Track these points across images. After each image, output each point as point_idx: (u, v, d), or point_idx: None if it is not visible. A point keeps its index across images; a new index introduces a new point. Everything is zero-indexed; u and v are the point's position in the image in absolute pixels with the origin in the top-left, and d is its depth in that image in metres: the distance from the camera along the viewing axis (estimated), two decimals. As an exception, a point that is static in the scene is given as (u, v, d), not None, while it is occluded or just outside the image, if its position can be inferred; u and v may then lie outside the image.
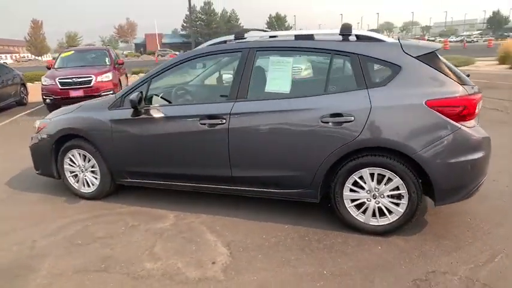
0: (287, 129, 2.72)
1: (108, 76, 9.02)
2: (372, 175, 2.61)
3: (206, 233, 2.91)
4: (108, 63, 9.92)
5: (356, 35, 2.74)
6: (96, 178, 3.54)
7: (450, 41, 39.34)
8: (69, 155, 3.57)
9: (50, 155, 3.62)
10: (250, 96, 2.86)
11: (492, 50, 22.18)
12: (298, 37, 2.88)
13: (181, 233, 2.93)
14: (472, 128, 2.44)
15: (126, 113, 3.23)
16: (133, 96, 3.01)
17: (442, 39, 47.69)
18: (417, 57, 2.53)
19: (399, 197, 2.60)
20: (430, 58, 2.54)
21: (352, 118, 2.53)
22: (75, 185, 3.66)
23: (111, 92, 8.93)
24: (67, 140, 3.53)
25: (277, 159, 2.81)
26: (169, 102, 3.26)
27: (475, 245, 2.57)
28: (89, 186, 3.61)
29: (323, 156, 2.65)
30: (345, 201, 2.73)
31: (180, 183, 3.23)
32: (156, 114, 3.11)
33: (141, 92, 3.07)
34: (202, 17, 63.58)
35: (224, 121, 2.86)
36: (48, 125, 3.62)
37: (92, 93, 8.70)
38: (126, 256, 2.63)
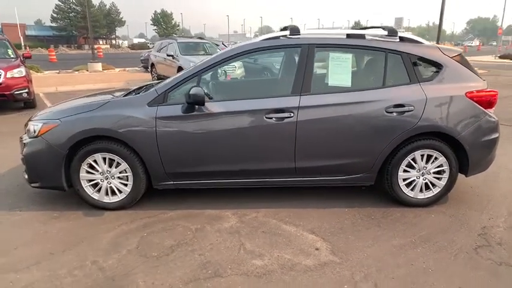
0: (354, 120, 2.98)
1: (20, 71, 7.58)
2: (422, 156, 3.10)
3: (281, 224, 2.95)
4: (12, 55, 8.28)
5: (400, 37, 3.18)
6: (126, 185, 3.14)
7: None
8: (89, 160, 3.06)
9: (59, 162, 3.03)
10: (313, 90, 3.01)
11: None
12: (349, 36, 3.16)
13: (257, 228, 2.90)
14: (492, 114, 3.13)
15: (175, 109, 2.98)
16: (197, 90, 2.82)
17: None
18: (452, 58, 3.11)
19: (441, 172, 3.15)
20: (459, 58, 3.16)
21: (413, 108, 2.96)
22: (95, 195, 3.16)
23: (25, 91, 7.56)
24: (86, 143, 3.02)
25: (343, 148, 3.04)
26: (220, 96, 3.13)
27: (491, 204, 3.30)
28: (113, 194, 3.17)
29: (386, 142, 3.01)
30: (398, 180, 3.15)
31: (237, 179, 3.15)
32: (212, 109, 2.97)
33: (201, 87, 2.89)
34: (77, 8, 56.77)
35: (292, 114, 2.95)
36: (59, 127, 3.02)
37: (1, 91, 7.19)
38: (224, 258, 2.50)
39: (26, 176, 3.25)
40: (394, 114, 2.97)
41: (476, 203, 3.34)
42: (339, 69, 3.05)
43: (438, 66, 3.08)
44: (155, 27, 62.47)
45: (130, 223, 2.99)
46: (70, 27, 57.91)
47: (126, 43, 53.47)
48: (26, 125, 3.42)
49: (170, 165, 3.06)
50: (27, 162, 3.13)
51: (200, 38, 12.33)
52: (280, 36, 3.14)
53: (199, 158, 3.06)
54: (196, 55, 10.81)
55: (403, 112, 2.97)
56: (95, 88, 11.45)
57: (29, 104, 7.93)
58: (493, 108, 3.12)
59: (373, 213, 3.13)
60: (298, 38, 3.11)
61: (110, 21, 60.35)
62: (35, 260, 2.49)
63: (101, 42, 59.33)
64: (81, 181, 3.12)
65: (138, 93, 3.31)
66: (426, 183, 3.18)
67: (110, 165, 3.10)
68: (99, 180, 3.13)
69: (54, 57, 23.50)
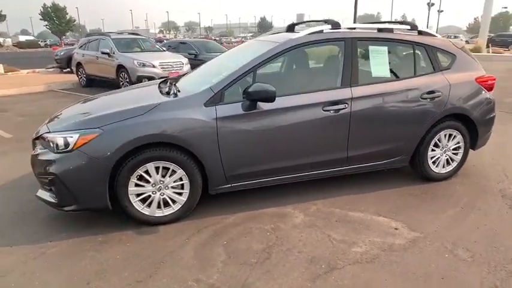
0: (398, 107, 3.25)
1: None
2: (445, 135, 3.53)
3: (346, 212, 3.07)
4: None
5: (418, 31, 3.54)
6: (180, 194, 2.88)
7: (229, 42, 43.56)
8: (140, 171, 2.72)
9: (103, 177, 2.63)
10: (360, 81, 3.18)
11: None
12: (380, 30, 3.40)
13: (328, 219, 2.96)
14: (491, 96, 3.72)
15: (235, 108, 2.84)
16: (267, 86, 2.72)
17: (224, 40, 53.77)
18: (460, 49, 3.60)
19: (457, 149, 3.64)
20: (464, 49, 3.67)
21: (440, 94, 3.35)
22: (146, 211, 2.83)
23: None
24: (135, 152, 2.68)
25: (388, 134, 3.29)
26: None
27: (489, 172, 3.93)
28: (166, 207, 2.88)
29: (422, 126, 3.35)
30: (428, 159, 3.53)
31: (294, 174, 3.15)
32: (272, 105, 2.89)
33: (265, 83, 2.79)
34: None
35: (347, 106, 3.07)
36: (102, 136, 2.60)
37: None
38: (325, 251, 2.52)
39: (53, 200, 2.73)
40: (428, 100, 3.32)
41: (478, 172, 3.93)
42: (379, 61, 3.27)
43: (452, 56, 3.54)
44: (46, 23, 54.89)
45: (198, 234, 2.76)
46: None
47: (10, 41, 45.50)
48: (39, 138, 2.86)
49: (230, 167, 2.91)
50: (58, 183, 2.62)
51: (135, 34, 11.42)
52: (323, 30, 3.21)
53: (260, 156, 2.98)
54: (135, 52, 10.04)
55: (434, 98, 3.34)
56: (11, 94, 9.80)
57: None
58: (492, 91, 3.71)
59: (413, 192, 3.45)
60: (340, 31, 3.23)
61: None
62: (126, 291, 2.15)
63: (-26, 40, 49.68)
64: (130, 196, 2.75)
65: (174, 94, 3.03)
66: (447, 159, 3.64)
67: (165, 175, 2.80)
68: (150, 193, 2.80)
69: None
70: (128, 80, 9.31)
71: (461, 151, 3.65)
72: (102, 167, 2.61)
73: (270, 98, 2.77)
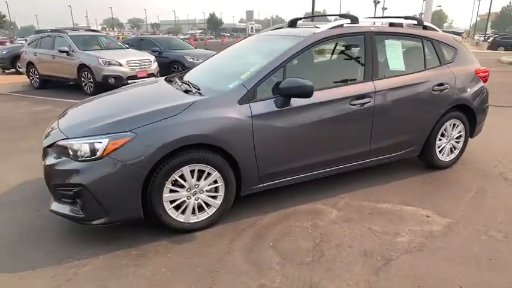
0: (414, 99, 3.37)
1: None
2: (450, 125, 3.74)
3: (374, 204, 3.13)
4: None
5: (423, 25, 3.69)
6: (215, 197, 2.73)
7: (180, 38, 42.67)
8: (175, 176, 2.54)
9: (137, 185, 2.42)
10: (380, 74, 3.24)
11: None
12: (392, 24, 3.50)
13: (360, 212, 3.00)
14: (486, 86, 3.99)
15: (268, 104, 2.75)
16: (306, 82, 2.66)
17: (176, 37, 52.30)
18: (459, 43, 3.82)
19: (459, 137, 3.87)
20: (462, 44, 3.90)
21: (448, 85, 3.54)
22: (180, 218, 2.65)
23: None
24: (170, 156, 2.49)
25: (406, 125, 3.41)
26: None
27: (483, 158, 4.23)
28: (200, 211, 2.72)
29: (434, 116, 3.52)
30: (435, 148, 3.72)
31: (323, 170, 3.13)
32: (304, 101, 2.85)
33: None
34: None
35: (371, 99, 3.12)
36: (136, 140, 2.38)
37: None
38: (373, 244, 2.55)
39: (73, 213, 2.46)
40: (438, 92, 3.49)
41: (473, 159, 4.20)
42: (394, 55, 3.37)
43: (454, 50, 3.75)
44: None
45: (239, 237, 2.65)
46: None
47: None
48: (53, 146, 2.54)
49: (265, 166, 2.82)
50: (86, 194, 2.36)
51: (93, 31, 10.64)
52: (343, 25, 3.22)
53: (293, 153, 2.93)
54: (97, 50, 9.37)
55: (443, 90, 3.52)
56: (-46, 98, 8.64)
57: None
58: (487, 82, 3.99)
59: (426, 180, 3.62)
60: (359, 26, 3.27)
61: None
62: (190, 305, 1.99)
63: None
64: (164, 203, 2.55)
65: (197, 92, 2.86)
66: (450, 148, 3.86)
67: (199, 178, 2.63)
68: (185, 198, 2.63)
69: None
70: (91, 80, 8.68)
71: (462, 139, 3.89)
72: (137, 174, 2.39)
73: (308, 93, 2.71)
